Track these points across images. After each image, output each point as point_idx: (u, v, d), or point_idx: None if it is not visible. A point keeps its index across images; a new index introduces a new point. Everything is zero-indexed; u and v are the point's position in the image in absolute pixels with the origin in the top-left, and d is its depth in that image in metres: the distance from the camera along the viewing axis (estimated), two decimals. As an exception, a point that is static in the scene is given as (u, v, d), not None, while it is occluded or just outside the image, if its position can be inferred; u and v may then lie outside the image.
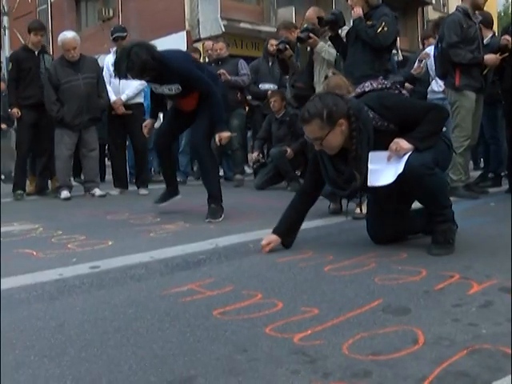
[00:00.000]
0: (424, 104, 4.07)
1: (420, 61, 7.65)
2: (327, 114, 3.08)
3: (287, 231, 3.48)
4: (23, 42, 7.24)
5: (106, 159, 9.94)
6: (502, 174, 6.88)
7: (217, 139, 4.80)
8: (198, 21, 18.89)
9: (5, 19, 23.16)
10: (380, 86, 3.39)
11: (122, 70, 4.53)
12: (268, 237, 3.44)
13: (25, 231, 4.45)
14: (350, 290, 2.51)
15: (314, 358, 1.76)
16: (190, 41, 18.34)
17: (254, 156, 7.61)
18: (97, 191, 6.95)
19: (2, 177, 11.22)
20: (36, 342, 1.98)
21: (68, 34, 6.91)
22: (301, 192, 3.64)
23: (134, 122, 7.08)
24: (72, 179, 7.67)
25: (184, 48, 12.21)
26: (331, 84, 4.26)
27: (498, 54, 5.68)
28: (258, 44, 17.74)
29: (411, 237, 3.57)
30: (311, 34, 5.58)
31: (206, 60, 9.80)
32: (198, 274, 2.92)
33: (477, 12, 5.81)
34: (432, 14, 25.80)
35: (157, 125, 5.63)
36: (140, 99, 7.49)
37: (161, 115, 6.33)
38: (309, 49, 5.90)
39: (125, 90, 7.23)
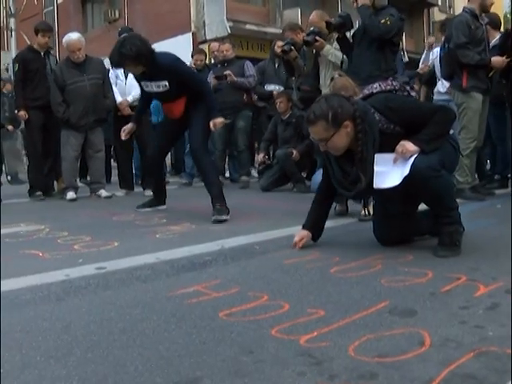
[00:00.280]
0: (430, 106, 4.06)
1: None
2: (332, 116, 3.09)
3: (316, 226, 3.55)
4: (29, 43, 7.21)
5: (112, 160, 9.95)
6: (509, 175, 6.85)
7: (211, 125, 4.99)
8: (204, 22, 18.88)
9: (11, 21, 23.22)
10: (388, 88, 3.37)
11: (118, 58, 4.77)
12: (300, 233, 3.50)
13: (31, 232, 4.45)
14: (356, 292, 2.50)
15: (320, 360, 1.76)
16: (196, 42, 18.34)
17: (259, 158, 7.61)
18: (103, 192, 6.96)
19: (9, 178, 11.26)
20: (42, 342, 1.99)
21: (73, 36, 6.92)
22: (322, 187, 3.64)
23: (139, 123, 7.07)
24: (78, 180, 7.68)
25: (190, 49, 12.19)
26: (337, 85, 4.25)
27: (504, 57, 5.67)
28: (264, 45, 17.75)
29: (417, 239, 3.57)
30: (317, 37, 5.57)
31: (212, 61, 9.81)
32: (204, 275, 2.92)
33: (483, 14, 5.79)
34: (438, 16, 25.74)
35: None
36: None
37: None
38: (314, 51, 5.89)
39: (131, 91, 7.24)
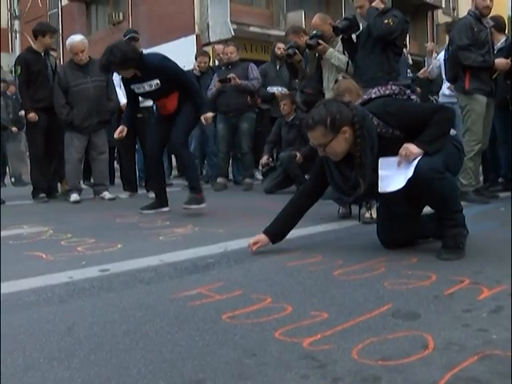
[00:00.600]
0: (429, 106, 4.06)
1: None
2: (330, 122, 3.10)
3: (278, 232, 3.52)
4: (32, 45, 7.19)
5: (116, 162, 9.97)
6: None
7: (203, 120, 5.35)
8: (208, 25, 18.92)
9: (16, 23, 23.32)
10: (388, 92, 3.37)
11: (106, 63, 5.09)
12: (257, 237, 3.48)
13: (34, 234, 4.46)
14: (359, 295, 2.50)
15: (323, 363, 1.75)
16: (200, 45, 18.38)
17: (263, 160, 7.60)
18: (106, 194, 6.97)
19: (12, 179, 11.28)
20: (45, 344, 1.99)
21: (75, 38, 6.94)
22: (301, 192, 3.67)
23: (143, 125, 7.09)
24: (82, 182, 7.69)
25: (193, 52, 12.21)
26: (341, 88, 4.26)
27: (509, 59, 5.66)
28: (268, 48, 17.70)
29: (421, 241, 3.56)
30: (320, 41, 5.57)
31: (216, 63, 9.83)
32: (207, 277, 2.92)
33: (486, 17, 5.80)
34: (442, 18, 25.75)
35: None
36: (149, 102, 7.50)
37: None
38: (317, 54, 5.89)
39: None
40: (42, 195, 7.03)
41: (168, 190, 5.87)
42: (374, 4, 5.30)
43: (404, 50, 7.52)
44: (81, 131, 6.84)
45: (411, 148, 3.05)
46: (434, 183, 3.03)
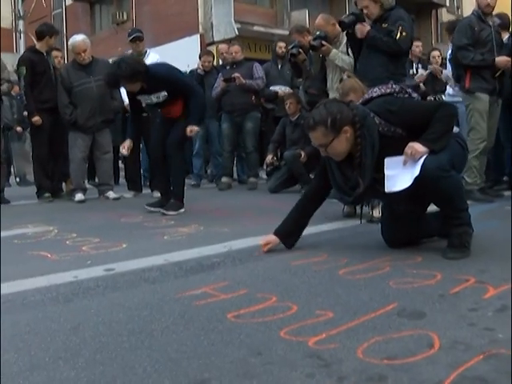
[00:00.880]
0: (430, 104, 4.06)
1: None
2: (331, 122, 3.10)
3: (289, 233, 3.51)
4: (35, 45, 7.18)
5: (120, 162, 9.97)
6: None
7: (188, 130, 5.35)
8: (212, 24, 18.90)
9: (20, 23, 23.36)
10: (389, 91, 3.37)
11: (115, 78, 5.15)
12: (267, 237, 3.48)
13: (39, 233, 4.47)
14: (364, 294, 2.49)
15: (328, 362, 1.75)
16: (204, 44, 18.38)
17: (268, 159, 7.60)
18: (111, 194, 6.97)
19: (17, 179, 11.30)
20: (51, 344, 1.99)
21: (77, 37, 6.94)
22: (306, 195, 3.68)
23: (147, 124, 7.07)
24: (86, 182, 7.69)
25: (197, 51, 12.22)
26: (346, 87, 4.25)
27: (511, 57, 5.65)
28: (271, 47, 17.76)
29: (426, 240, 3.56)
30: (324, 42, 5.54)
31: (220, 63, 9.82)
32: (212, 276, 2.92)
33: (492, 15, 5.79)
34: (446, 17, 25.65)
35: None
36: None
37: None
38: (321, 55, 5.87)
39: (139, 92, 7.25)
40: (47, 195, 7.03)
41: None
42: (362, 32, 5.14)
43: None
44: (85, 131, 6.83)
45: (417, 147, 3.05)
46: (441, 181, 3.02)
